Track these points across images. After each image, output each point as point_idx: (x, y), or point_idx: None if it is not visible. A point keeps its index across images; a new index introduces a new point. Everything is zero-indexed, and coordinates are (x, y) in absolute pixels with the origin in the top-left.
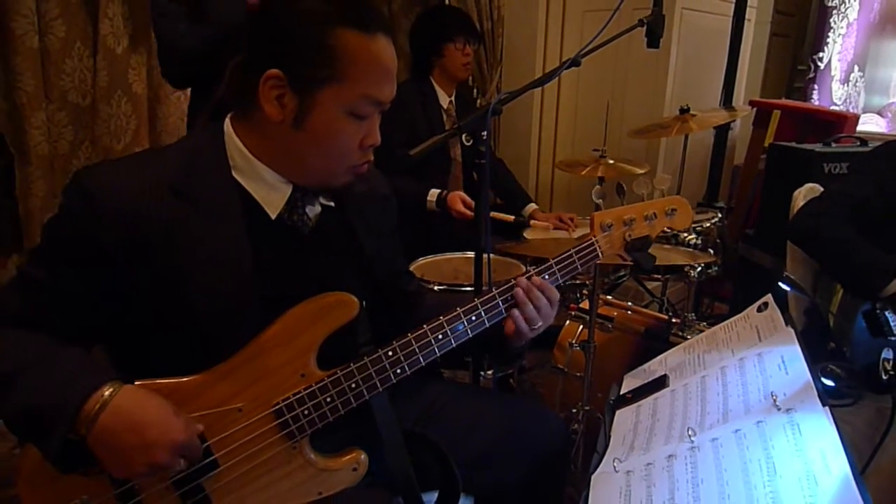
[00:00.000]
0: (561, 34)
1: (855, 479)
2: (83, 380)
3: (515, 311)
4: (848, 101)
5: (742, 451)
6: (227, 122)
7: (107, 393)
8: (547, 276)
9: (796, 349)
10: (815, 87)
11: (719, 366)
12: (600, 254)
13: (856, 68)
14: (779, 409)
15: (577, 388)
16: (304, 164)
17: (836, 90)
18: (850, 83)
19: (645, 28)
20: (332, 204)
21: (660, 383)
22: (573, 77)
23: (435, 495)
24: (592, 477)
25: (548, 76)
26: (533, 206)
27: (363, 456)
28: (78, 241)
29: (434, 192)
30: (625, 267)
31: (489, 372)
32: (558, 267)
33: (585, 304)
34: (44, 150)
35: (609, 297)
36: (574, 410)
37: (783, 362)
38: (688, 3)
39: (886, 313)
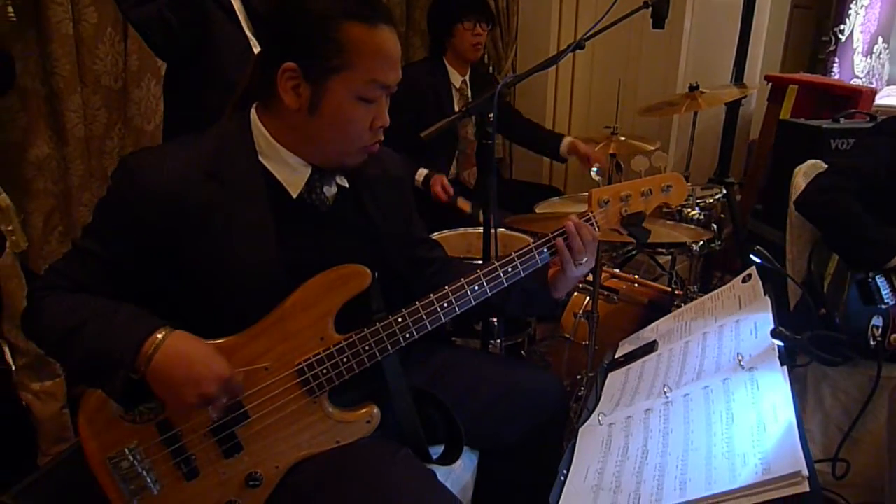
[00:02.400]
0: (576, 11)
1: (798, 426)
2: (139, 326)
3: (564, 247)
4: (871, 73)
5: (708, 405)
6: (253, 111)
7: (160, 335)
8: (546, 250)
9: (769, 316)
10: (836, 59)
11: (702, 332)
12: (597, 228)
13: (880, 40)
14: (743, 368)
15: (582, 356)
16: (321, 146)
17: (859, 63)
18: (874, 55)
19: (650, 10)
20: (347, 185)
21: (650, 348)
22: (588, 55)
23: (441, 448)
24: (580, 429)
25: (552, 59)
26: (568, 140)
27: (376, 410)
28: (125, 220)
29: (422, 172)
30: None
31: (497, 341)
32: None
33: (590, 277)
34: (80, 133)
35: (616, 271)
36: (579, 377)
37: (755, 328)
38: None
39: (878, 280)
